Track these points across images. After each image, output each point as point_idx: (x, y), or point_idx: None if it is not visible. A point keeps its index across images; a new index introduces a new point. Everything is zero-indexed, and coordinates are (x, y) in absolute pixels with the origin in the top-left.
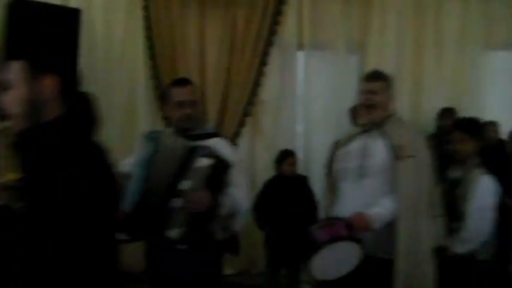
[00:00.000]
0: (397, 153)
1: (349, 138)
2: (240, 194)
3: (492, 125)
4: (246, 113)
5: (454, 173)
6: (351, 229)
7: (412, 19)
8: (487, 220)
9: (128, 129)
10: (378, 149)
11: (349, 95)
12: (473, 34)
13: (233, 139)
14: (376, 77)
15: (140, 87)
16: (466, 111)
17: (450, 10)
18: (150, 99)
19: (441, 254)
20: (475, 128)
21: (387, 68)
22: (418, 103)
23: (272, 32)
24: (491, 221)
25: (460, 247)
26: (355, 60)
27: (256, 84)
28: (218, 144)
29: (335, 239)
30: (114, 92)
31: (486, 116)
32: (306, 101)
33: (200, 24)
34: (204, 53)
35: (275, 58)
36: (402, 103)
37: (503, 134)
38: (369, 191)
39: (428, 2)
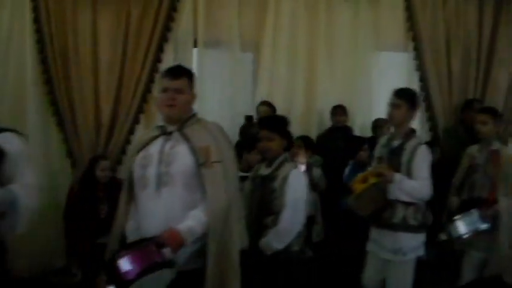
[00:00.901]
0: (202, 159)
1: (148, 140)
2: (24, 190)
3: (386, 122)
4: (140, 110)
5: (265, 171)
6: (162, 247)
7: (305, 19)
8: (300, 212)
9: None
10: (180, 154)
11: (243, 93)
12: (363, 36)
13: (127, 136)
14: (179, 73)
15: (29, 81)
16: (357, 109)
17: (341, 12)
18: (39, 93)
19: (254, 254)
20: (281, 126)
21: (281, 67)
22: (311, 101)
23: (167, 28)
24: (304, 212)
25: (276, 242)
26: (249, 59)
27: (150, 81)
28: (2, 137)
29: (148, 269)
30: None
31: (376, 113)
32: (199, 98)
33: (93, 18)
34: (97, 49)
35: (169, 55)
36: (296, 100)
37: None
38: (171, 201)
39: (320, 4)
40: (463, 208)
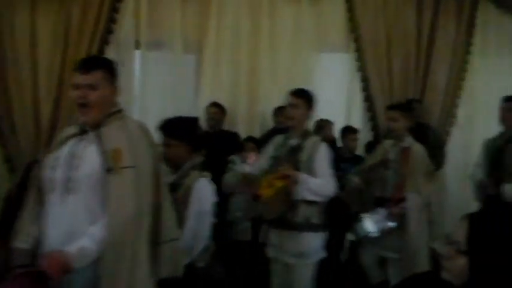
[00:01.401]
0: (109, 163)
1: (64, 139)
2: None
3: (328, 123)
4: None
5: (170, 178)
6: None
7: (248, 20)
8: (204, 225)
9: None
10: (88, 156)
11: (186, 95)
12: (305, 37)
13: None
14: (91, 66)
15: None
16: None
17: (284, 13)
18: None
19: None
20: (182, 131)
21: (224, 68)
22: (254, 102)
23: (108, 29)
24: (209, 225)
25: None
26: (192, 60)
27: None
28: None
29: None
30: None
31: (319, 114)
32: (142, 100)
33: (31, 18)
34: (36, 50)
35: (111, 57)
36: (239, 102)
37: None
38: (75, 210)
39: (263, 5)
40: (375, 205)
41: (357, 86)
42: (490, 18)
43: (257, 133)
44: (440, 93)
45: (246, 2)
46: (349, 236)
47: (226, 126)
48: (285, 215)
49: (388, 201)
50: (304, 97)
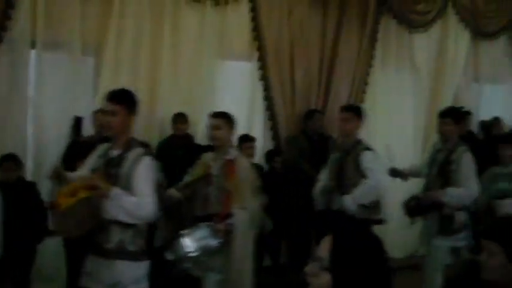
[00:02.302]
0: None
1: None
2: None
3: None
4: None
5: None
6: None
7: (150, 25)
8: None
9: None
10: None
11: (84, 98)
12: (209, 44)
13: None
14: None
15: None
16: (199, 117)
17: (187, 19)
18: None
19: None
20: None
21: (123, 72)
22: (153, 108)
23: (1, 27)
24: None
25: None
26: (91, 63)
27: None
28: None
29: None
30: None
31: None
32: (37, 102)
33: None
34: None
35: (4, 56)
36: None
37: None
38: None
39: (166, 9)
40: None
41: (259, 94)
42: (391, 32)
43: (155, 140)
44: (342, 103)
45: (148, 5)
46: (168, 256)
47: None
48: (94, 237)
49: (212, 219)
50: (124, 102)
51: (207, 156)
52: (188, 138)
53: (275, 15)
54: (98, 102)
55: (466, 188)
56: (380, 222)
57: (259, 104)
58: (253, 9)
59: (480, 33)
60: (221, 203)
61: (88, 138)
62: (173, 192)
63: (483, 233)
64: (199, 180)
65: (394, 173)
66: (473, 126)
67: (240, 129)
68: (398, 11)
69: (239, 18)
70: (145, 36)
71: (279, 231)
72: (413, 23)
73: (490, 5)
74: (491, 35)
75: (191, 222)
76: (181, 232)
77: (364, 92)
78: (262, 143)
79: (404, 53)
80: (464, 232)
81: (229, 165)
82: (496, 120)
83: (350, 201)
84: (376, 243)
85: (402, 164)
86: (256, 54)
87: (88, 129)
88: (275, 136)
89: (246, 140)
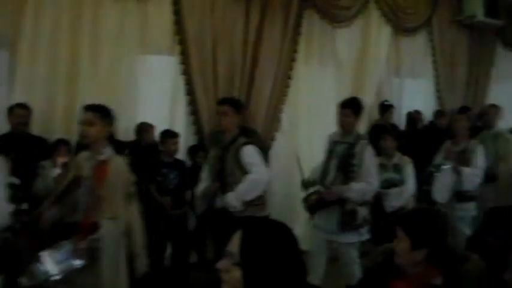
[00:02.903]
0: None
1: None
2: None
3: (150, 126)
4: None
5: None
6: None
7: (68, 19)
8: None
9: None
10: None
11: None
12: (130, 38)
13: None
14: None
15: None
16: (121, 112)
17: (108, 12)
18: None
19: None
20: None
21: (40, 67)
22: (72, 104)
23: None
24: None
25: None
26: (5, 58)
27: None
28: None
29: None
30: None
31: (141, 117)
32: None
33: None
34: None
35: None
36: (56, 103)
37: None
38: None
39: (85, 2)
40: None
41: (182, 89)
42: (314, 27)
43: (75, 136)
44: (265, 98)
45: None
46: (24, 281)
47: (41, 127)
48: None
49: (78, 230)
50: (99, 112)
51: (81, 156)
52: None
53: (197, 9)
54: (14, 97)
55: (368, 182)
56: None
57: (182, 99)
58: (175, 3)
59: (401, 28)
60: (88, 210)
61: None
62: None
63: (396, 220)
64: (69, 185)
65: (306, 184)
66: (396, 119)
67: (163, 125)
68: (322, 6)
69: (161, 11)
70: (63, 29)
71: (203, 227)
72: (336, 18)
73: (409, 2)
74: (411, 31)
75: (55, 236)
76: (40, 253)
77: (287, 86)
78: (185, 138)
79: (327, 48)
80: (365, 227)
81: (101, 167)
82: (417, 114)
83: (233, 199)
84: (287, 236)
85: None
86: (178, 48)
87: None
88: (198, 131)
89: (169, 135)
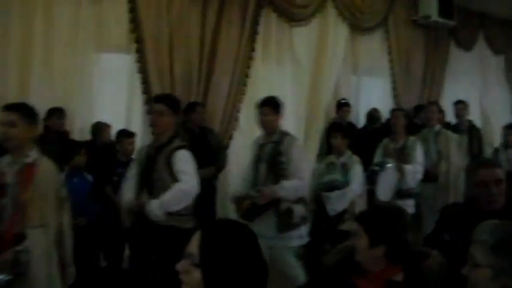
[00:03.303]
0: None
1: None
2: None
3: (106, 126)
4: None
5: None
6: None
7: (19, 15)
8: None
9: None
10: None
11: None
12: (84, 35)
13: None
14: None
15: None
16: (76, 112)
17: (61, 9)
18: None
19: None
20: None
21: None
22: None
23: None
24: None
25: None
26: None
27: None
28: None
29: None
30: None
31: (97, 117)
32: None
33: None
34: None
35: None
36: (7, 102)
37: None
38: None
39: (37, 0)
40: None
41: (138, 88)
42: (272, 25)
43: None
44: (223, 97)
45: None
46: None
47: None
48: None
49: (1, 242)
50: (20, 111)
51: (3, 161)
52: (64, 134)
53: (154, 6)
54: None
55: (299, 177)
56: (190, 231)
57: (138, 98)
58: (131, 0)
59: (358, 27)
60: (12, 219)
61: None
62: None
63: (356, 217)
64: None
65: (237, 200)
66: (354, 117)
67: (119, 124)
68: (279, 4)
69: (116, 8)
70: (14, 26)
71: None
72: (293, 17)
73: (366, 1)
74: (368, 30)
75: None
76: None
77: (245, 84)
78: (141, 138)
79: (285, 47)
80: (304, 225)
81: (27, 171)
82: (376, 112)
83: (156, 208)
84: (248, 237)
85: None
86: (134, 47)
87: None
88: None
89: (125, 135)
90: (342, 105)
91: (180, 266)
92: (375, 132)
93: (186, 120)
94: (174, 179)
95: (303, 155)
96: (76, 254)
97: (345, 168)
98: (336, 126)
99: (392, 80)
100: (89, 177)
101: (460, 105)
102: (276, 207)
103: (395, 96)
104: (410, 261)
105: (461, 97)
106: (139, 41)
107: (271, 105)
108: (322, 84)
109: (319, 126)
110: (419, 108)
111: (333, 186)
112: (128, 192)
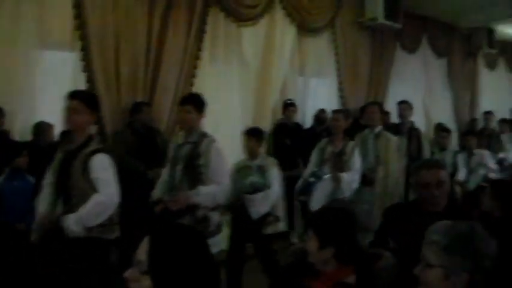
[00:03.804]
0: None
1: None
2: None
3: (49, 126)
4: None
5: None
6: None
7: None
8: None
9: None
10: None
11: None
12: (25, 32)
13: None
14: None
15: None
16: (16, 111)
17: (1, 6)
18: None
19: None
20: None
21: None
22: None
23: None
24: None
25: None
26: None
27: None
28: None
29: None
30: None
31: (39, 116)
32: None
33: None
34: None
35: None
36: None
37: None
38: None
39: None
40: None
41: (82, 87)
42: (219, 25)
43: None
44: (169, 97)
45: None
46: None
47: None
48: None
49: None
50: None
51: None
52: (3, 135)
53: (99, 3)
54: None
55: (218, 183)
56: (115, 242)
57: None
58: None
59: (305, 28)
60: None
61: None
62: None
63: (306, 220)
64: None
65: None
66: (300, 118)
67: (62, 125)
68: (227, 4)
69: (60, 4)
70: None
71: None
72: (241, 17)
73: (314, 2)
74: (315, 31)
75: None
76: None
77: (191, 84)
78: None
79: (232, 47)
80: (218, 234)
81: None
82: (322, 113)
83: (73, 223)
84: (198, 242)
85: (232, 159)
86: (79, 44)
87: None
88: (100, 131)
89: (69, 136)
90: (288, 105)
91: (129, 274)
92: (322, 133)
93: (133, 120)
94: (92, 186)
95: (223, 158)
96: (15, 259)
97: (262, 171)
98: (250, 129)
99: (339, 81)
100: (31, 179)
101: (403, 105)
102: (192, 213)
103: (342, 97)
104: (362, 263)
105: (406, 98)
106: (84, 38)
107: (194, 104)
108: (269, 85)
109: (266, 126)
110: (364, 109)
111: (255, 189)
112: (42, 203)
